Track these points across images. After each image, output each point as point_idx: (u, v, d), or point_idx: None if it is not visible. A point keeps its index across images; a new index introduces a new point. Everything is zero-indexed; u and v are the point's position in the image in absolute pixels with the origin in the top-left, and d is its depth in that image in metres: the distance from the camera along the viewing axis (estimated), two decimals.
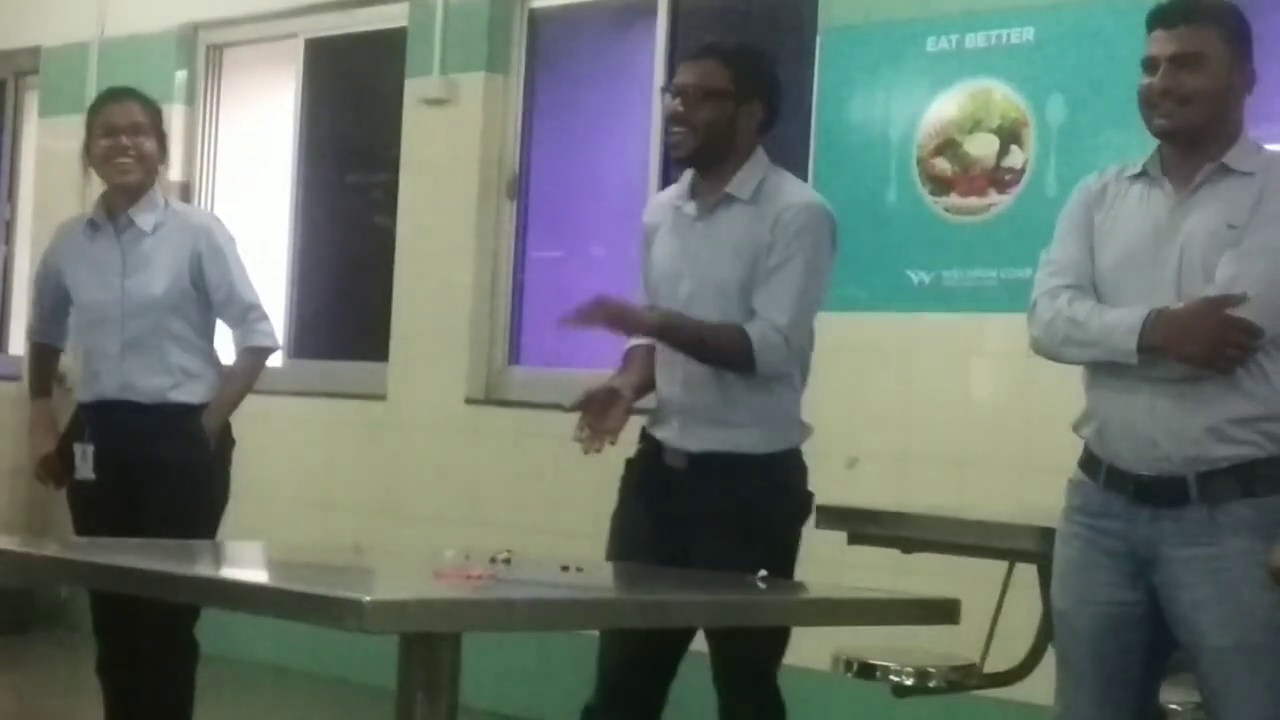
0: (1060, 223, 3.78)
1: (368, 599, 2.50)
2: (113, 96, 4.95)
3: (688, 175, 4.28)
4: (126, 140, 4.83)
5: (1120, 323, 3.56)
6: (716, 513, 4.10)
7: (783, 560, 4.16)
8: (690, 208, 4.22)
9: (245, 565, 3.52)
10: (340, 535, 7.53)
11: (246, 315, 4.84)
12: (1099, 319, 3.60)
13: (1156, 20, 3.69)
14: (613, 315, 4.10)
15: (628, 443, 4.24)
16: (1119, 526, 3.63)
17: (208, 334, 4.89)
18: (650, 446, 4.24)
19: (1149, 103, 3.65)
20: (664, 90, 4.29)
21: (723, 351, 4.10)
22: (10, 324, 9.36)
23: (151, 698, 4.80)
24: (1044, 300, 3.69)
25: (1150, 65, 3.66)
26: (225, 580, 3.04)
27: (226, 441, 4.90)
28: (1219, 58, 3.61)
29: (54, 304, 5.05)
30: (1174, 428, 3.55)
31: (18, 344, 9.20)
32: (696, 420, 4.14)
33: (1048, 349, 3.71)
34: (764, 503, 4.14)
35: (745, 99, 4.18)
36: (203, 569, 3.25)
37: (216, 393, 4.83)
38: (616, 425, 4.04)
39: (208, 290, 4.82)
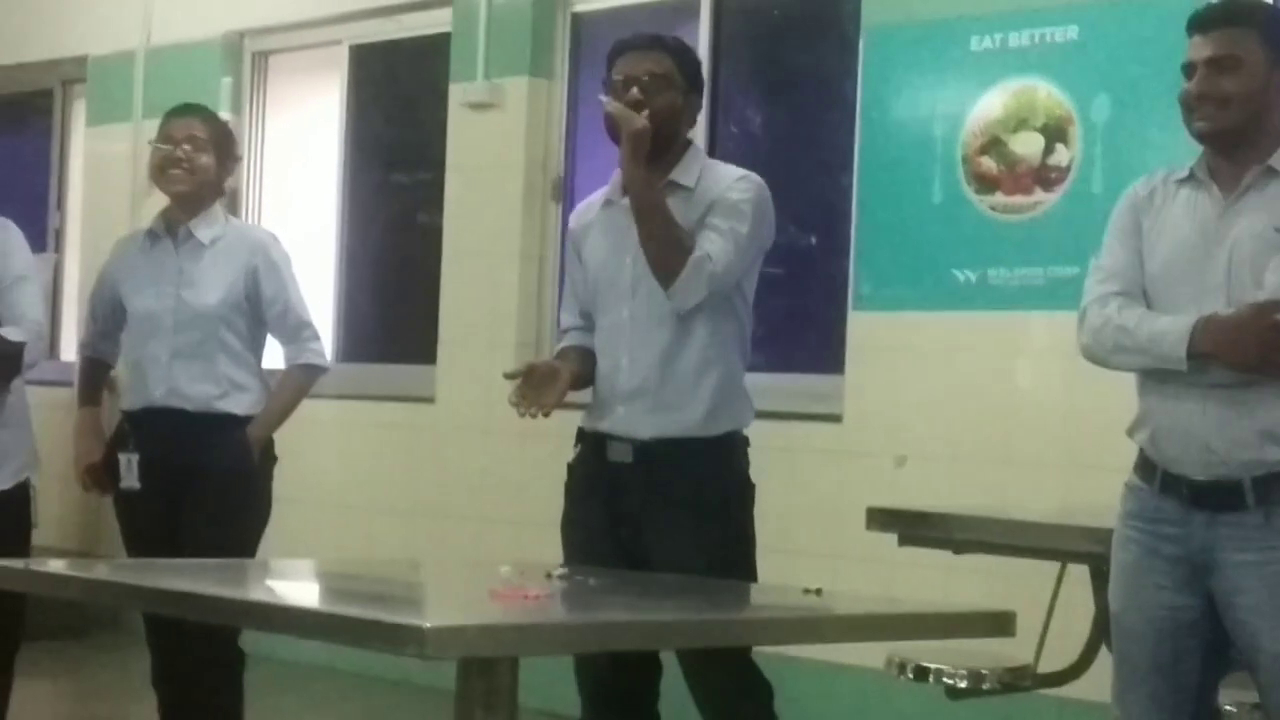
0: (1109, 228, 3.79)
1: (428, 625, 2.51)
2: (177, 111, 5.00)
3: (616, 174, 4.28)
4: (180, 152, 4.87)
5: (1170, 330, 3.57)
6: (668, 503, 4.11)
7: (743, 547, 4.20)
8: (624, 203, 4.23)
9: (300, 588, 3.53)
10: (389, 538, 7.58)
11: (300, 333, 4.87)
12: (1148, 326, 3.61)
13: (1194, 25, 3.70)
14: (638, 137, 4.06)
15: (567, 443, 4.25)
16: (1175, 531, 3.63)
17: (257, 349, 4.92)
18: (591, 446, 4.24)
19: (1188, 107, 3.66)
20: (607, 82, 4.25)
21: (672, 244, 4.09)
22: (61, 330, 9.42)
23: (203, 708, 4.84)
24: (1093, 308, 3.71)
25: (1189, 70, 3.68)
26: (283, 606, 3.04)
27: (269, 457, 4.92)
28: (1256, 60, 3.62)
29: (108, 318, 5.09)
30: (1227, 432, 3.55)
31: (70, 350, 9.27)
32: (643, 404, 4.15)
33: (1098, 356, 3.72)
34: (716, 486, 4.17)
35: (689, 91, 4.27)
36: (259, 594, 3.26)
37: (263, 406, 4.86)
38: (551, 401, 4.06)
39: (262, 306, 4.85)
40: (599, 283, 4.27)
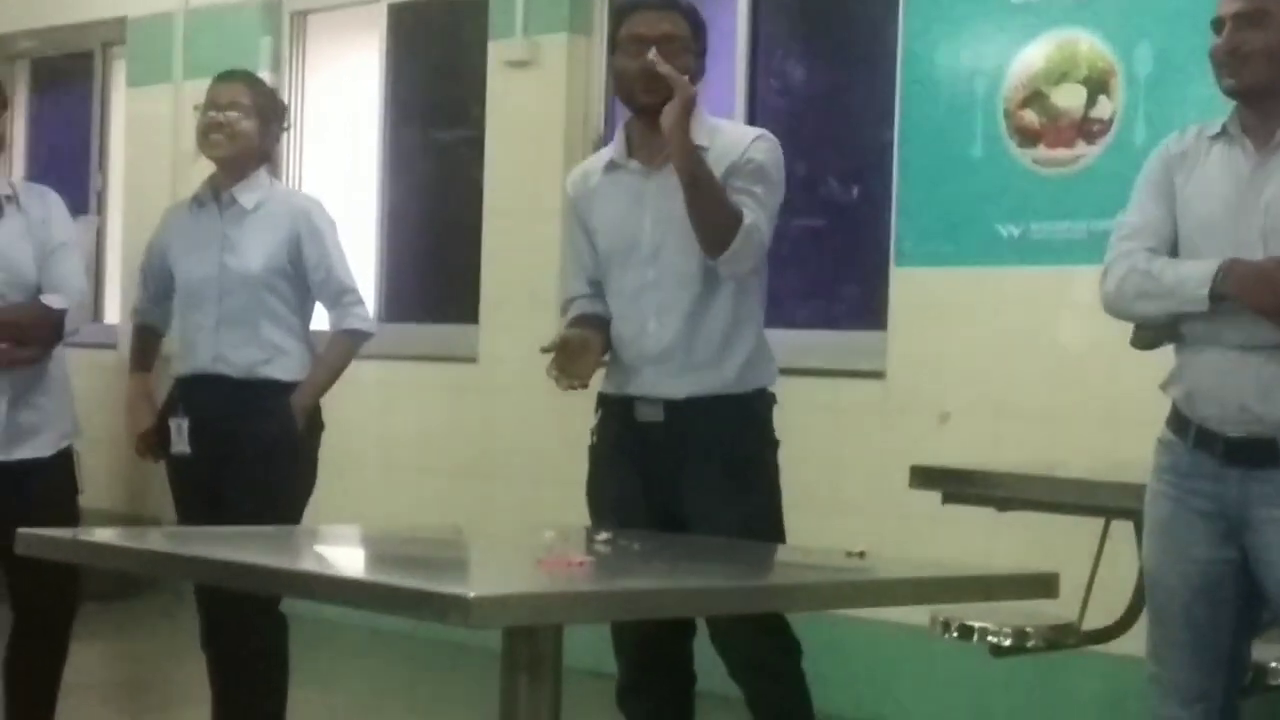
0: (1139, 184, 3.76)
1: (472, 595, 2.52)
2: (223, 76, 5.00)
3: (618, 137, 4.28)
4: (221, 117, 4.87)
5: (1193, 273, 3.56)
6: (704, 460, 4.12)
7: (775, 501, 4.21)
8: (634, 165, 4.22)
9: (345, 556, 3.53)
10: (433, 498, 7.60)
11: (342, 298, 4.87)
12: (1173, 271, 3.59)
13: None
14: (685, 106, 4.03)
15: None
16: (1209, 487, 3.63)
17: (304, 314, 4.92)
18: (616, 410, 4.23)
19: (1217, 63, 3.65)
20: (636, 41, 4.18)
21: (726, 214, 4.08)
22: (105, 293, 9.46)
23: (250, 669, 4.87)
24: (1120, 261, 3.69)
25: (1218, 25, 3.67)
26: (328, 576, 3.04)
27: (316, 423, 4.93)
28: None
29: (159, 286, 5.10)
30: (1262, 390, 3.54)
31: (113, 313, 9.32)
32: (673, 365, 4.15)
33: (1120, 305, 3.70)
34: (749, 443, 4.19)
35: (700, 54, 4.27)
36: (303, 563, 3.27)
37: (308, 374, 4.87)
38: (589, 373, 4.08)
39: (306, 271, 4.86)
40: (613, 249, 4.24)
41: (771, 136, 4.29)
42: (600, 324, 4.25)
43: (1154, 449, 3.76)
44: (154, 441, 4.99)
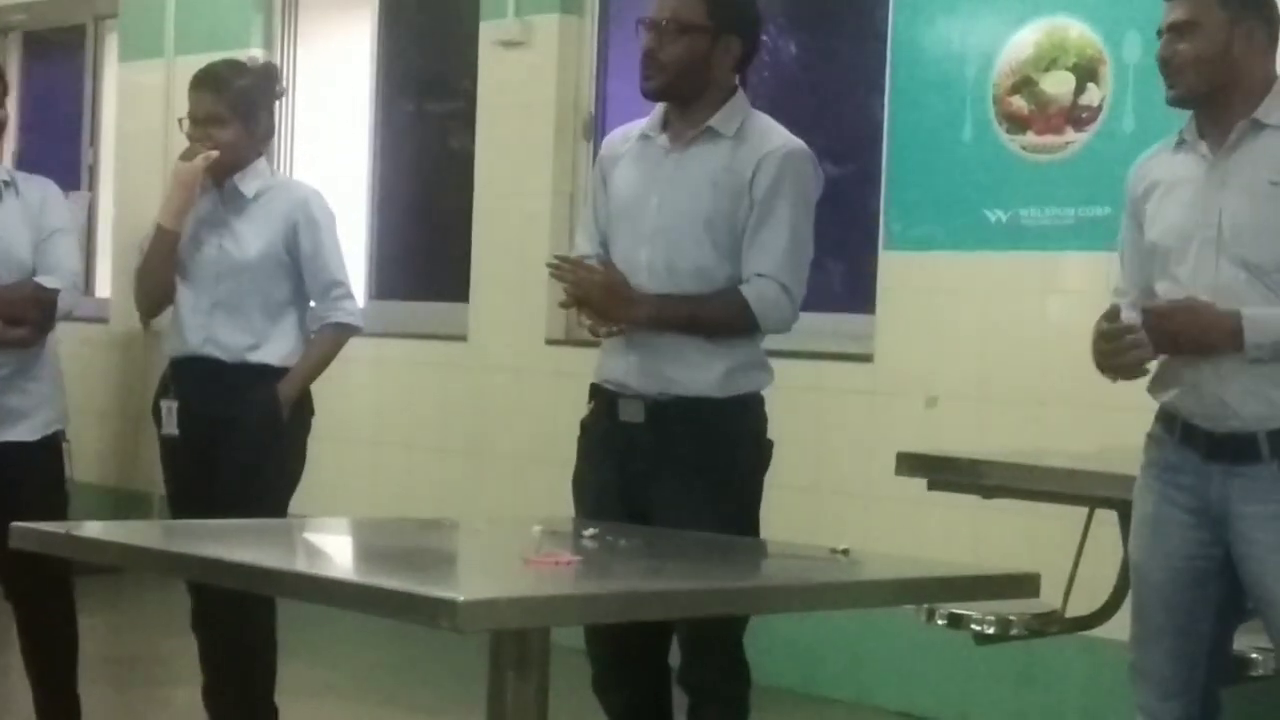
0: (1124, 215, 3.87)
1: (461, 599, 2.54)
2: (194, 84, 4.93)
3: (659, 109, 4.16)
4: (200, 133, 4.85)
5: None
6: (678, 464, 4.00)
7: (749, 513, 4.09)
8: (663, 140, 4.12)
9: (333, 554, 3.55)
10: (423, 476, 7.64)
11: (330, 291, 4.88)
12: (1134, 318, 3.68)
13: None
14: (595, 292, 3.99)
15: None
16: (1193, 482, 3.68)
17: (298, 304, 4.92)
18: (604, 404, 4.14)
19: (1161, 73, 3.73)
20: (639, 23, 4.10)
21: (722, 321, 4.03)
22: (96, 267, 9.48)
23: (239, 650, 4.90)
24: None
25: (1160, 35, 3.73)
26: (317, 577, 3.07)
27: (305, 410, 4.95)
28: (1215, 22, 3.65)
29: None
30: (1242, 388, 3.60)
31: (104, 287, 9.34)
32: (657, 356, 4.03)
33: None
34: (728, 450, 4.06)
35: (722, 33, 4.08)
36: (292, 562, 3.30)
37: (296, 363, 4.88)
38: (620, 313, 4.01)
39: (300, 260, 4.87)
40: (619, 216, 4.13)
41: (799, 150, 4.10)
42: None
43: (1144, 444, 3.81)
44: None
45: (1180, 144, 3.76)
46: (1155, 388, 3.76)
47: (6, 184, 4.91)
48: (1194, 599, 3.70)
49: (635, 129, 4.24)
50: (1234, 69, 3.66)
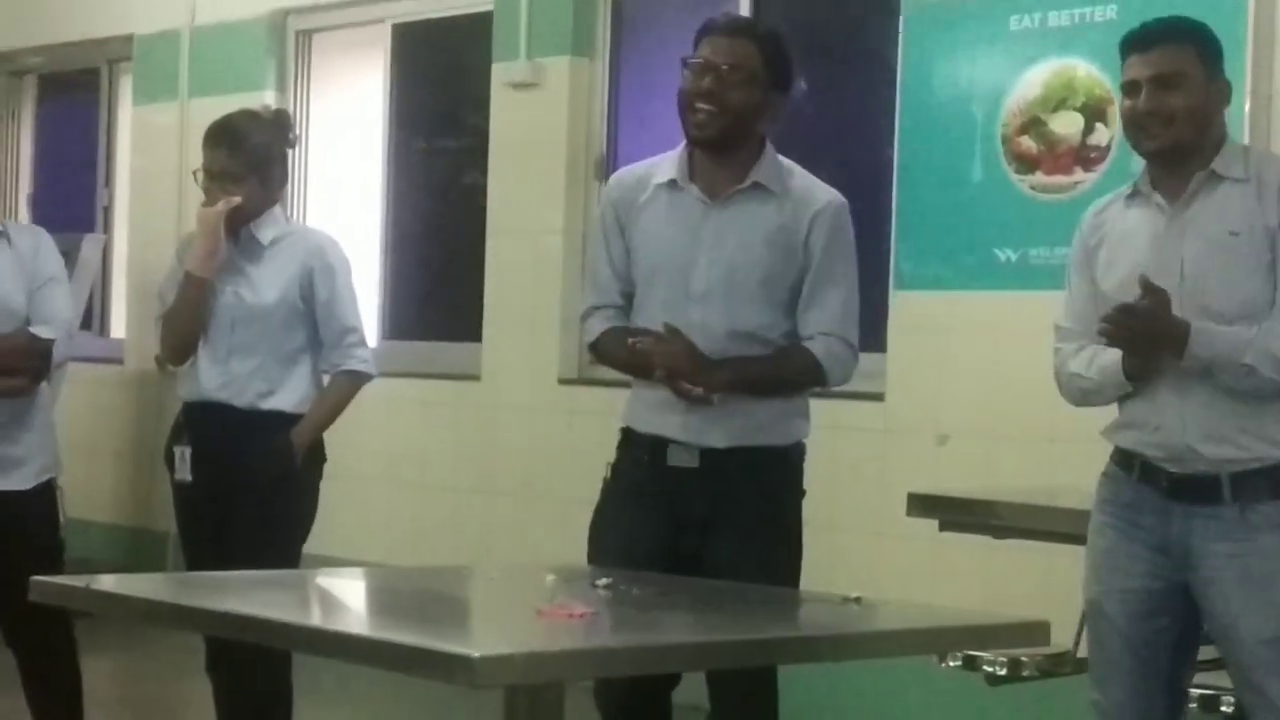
0: (1067, 269, 3.96)
1: (476, 655, 2.56)
2: (207, 139, 4.94)
3: (677, 155, 4.09)
4: (216, 187, 4.88)
5: (1108, 363, 3.76)
6: (737, 511, 3.99)
7: (798, 560, 4.12)
8: (695, 191, 4.06)
9: (349, 607, 3.57)
10: (436, 516, 7.66)
11: (344, 338, 4.91)
12: (1096, 367, 3.80)
13: (1132, 45, 3.82)
14: (683, 362, 3.94)
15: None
16: (1152, 520, 3.75)
17: (312, 350, 4.95)
18: (645, 449, 4.07)
19: (1135, 125, 3.79)
20: (685, 62, 4.03)
21: (797, 381, 4.09)
22: (111, 308, 9.52)
23: (254, 694, 4.91)
24: (1058, 367, 3.92)
25: (1131, 89, 3.78)
26: (333, 632, 3.09)
27: (317, 456, 4.98)
28: (1198, 76, 3.74)
29: None
30: (1204, 430, 3.67)
31: (119, 328, 9.38)
32: (711, 412, 3.97)
33: (1078, 403, 3.95)
34: (783, 498, 4.10)
35: (773, 87, 4.08)
36: (308, 617, 3.32)
37: (308, 410, 4.90)
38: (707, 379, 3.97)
39: (314, 307, 4.90)
40: (656, 275, 4.05)
41: (843, 205, 4.11)
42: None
43: (1097, 483, 3.85)
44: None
45: (1133, 195, 3.82)
46: (1113, 431, 3.83)
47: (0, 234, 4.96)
48: (1152, 632, 3.77)
49: (650, 174, 4.15)
50: (1208, 123, 3.75)
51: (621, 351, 4.09)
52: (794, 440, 4.13)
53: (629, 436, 4.15)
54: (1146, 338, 3.66)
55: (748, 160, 4.07)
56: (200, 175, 4.93)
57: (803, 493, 4.19)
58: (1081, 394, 3.88)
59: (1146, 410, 3.74)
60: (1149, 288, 3.61)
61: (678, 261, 4.05)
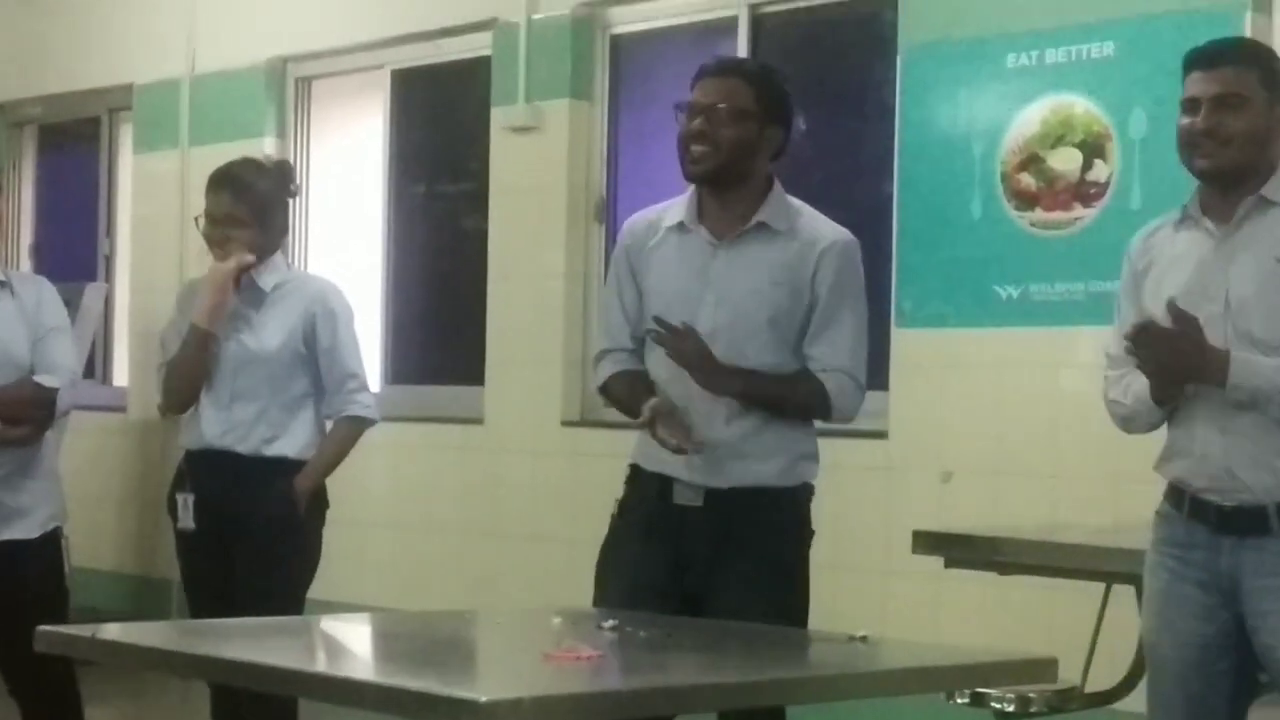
0: (1118, 294, 3.90)
1: (483, 700, 2.57)
2: (211, 184, 4.96)
3: (686, 199, 4.13)
4: (220, 234, 4.91)
5: (1141, 388, 3.71)
6: (740, 549, 4.00)
7: (805, 599, 4.13)
8: (703, 232, 4.09)
9: (355, 653, 3.57)
10: (441, 560, 7.66)
11: (346, 384, 4.91)
12: (1131, 393, 3.76)
13: (1196, 62, 3.74)
14: (695, 356, 3.96)
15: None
16: (1203, 557, 3.70)
17: (315, 396, 4.95)
18: (652, 487, 4.09)
19: (1190, 143, 3.71)
20: (678, 107, 4.09)
21: (804, 406, 4.09)
22: (114, 356, 9.53)
23: None
24: (1105, 394, 3.87)
25: (1190, 106, 3.71)
26: (340, 679, 3.09)
27: (321, 502, 4.98)
28: (1259, 99, 3.67)
29: None
30: (1250, 459, 3.62)
31: (122, 376, 9.39)
32: (717, 453, 4.00)
33: (1127, 430, 3.89)
34: (789, 538, 4.10)
35: (769, 122, 4.09)
36: (314, 663, 3.32)
37: (312, 457, 4.91)
38: (692, 435, 3.97)
39: (317, 353, 4.91)
40: (666, 312, 4.03)
41: (852, 242, 4.13)
42: (650, 384, 4.09)
43: (1152, 521, 3.82)
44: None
45: (1183, 220, 3.78)
46: (1162, 463, 3.79)
47: (2, 284, 4.97)
48: (1208, 675, 3.71)
49: (661, 218, 4.19)
50: (1267, 148, 3.68)
51: (625, 395, 4.14)
52: (801, 482, 4.14)
53: (636, 473, 4.17)
54: (1178, 364, 3.60)
55: (754, 200, 4.09)
56: (202, 221, 4.95)
57: (811, 533, 4.18)
58: (1121, 420, 3.84)
59: (1190, 439, 3.70)
60: (1178, 314, 3.56)
61: (686, 302, 4.07)
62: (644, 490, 4.14)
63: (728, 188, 4.08)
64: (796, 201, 4.18)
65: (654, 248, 4.15)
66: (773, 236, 4.08)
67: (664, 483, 4.08)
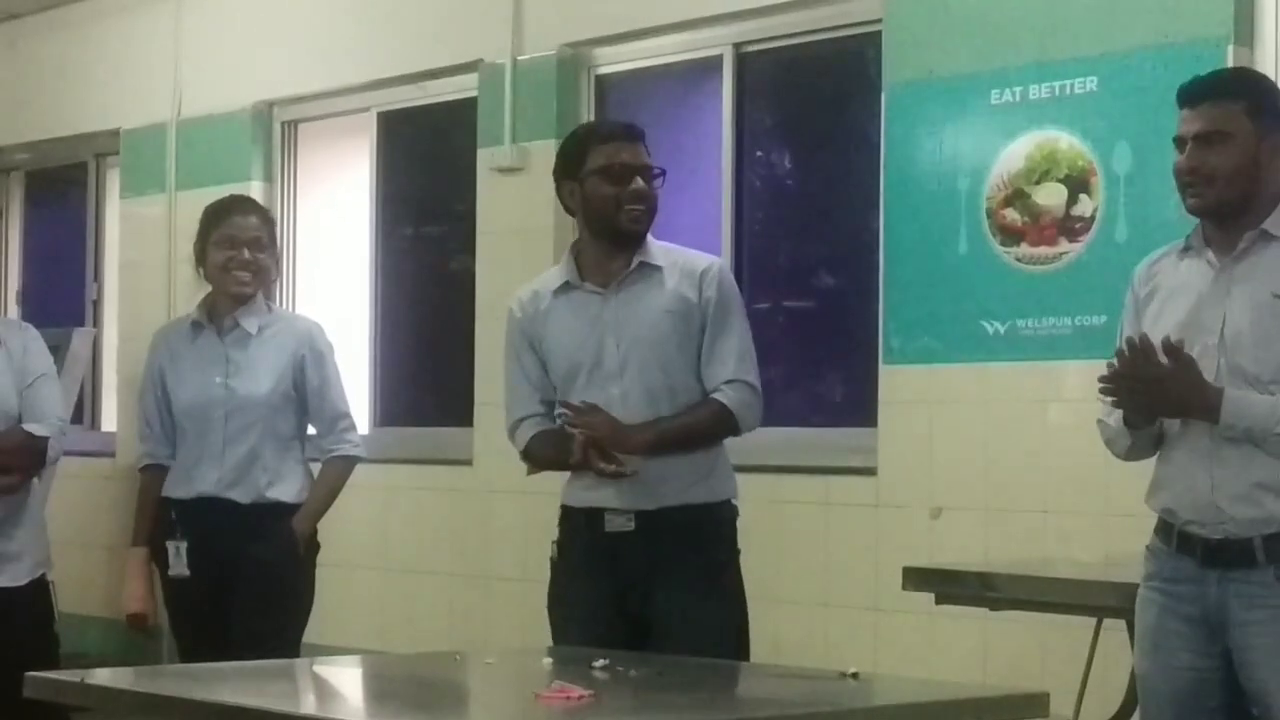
0: (1120, 323, 3.93)
1: None
2: (237, 207, 4.99)
3: (564, 262, 4.45)
4: (248, 255, 4.91)
5: (1114, 417, 3.77)
6: (675, 568, 4.24)
7: (742, 611, 4.33)
8: (588, 286, 4.37)
9: (346, 698, 3.57)
10: (430, 600, 7.64)
11: (336, 424, 4.93)
12: (1114, 416, 3.79)
13: (1181, 99, 3.79)
14: (603, 426, 4.20)
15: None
16: (1191, 590, 3.70)
17: (301, 437, 4.98)
18: (583, 521, 4.33)
19: (1179, 183, 3.76)
20: (588, 166, 4.40)
21: (712, 433, 4.32)
22: (102, 401, 9.52)
23: None
24: (1099, 414, 3.90)
25: (1179, 144, 3.76)
26: None
27: (312, 543, 4.99)
28: (1244, 133, 3.68)
29: (164, 418, 5.05)
30: (1235, 492, 3.63)
31: (110, 421, 9.37)
32: (642, 477, 4.23)
33: (1111, 451, 3.93)
34: (719, 552, 4.34)
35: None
36: (306, 708, 3.32)
37: (306, 498, 4.91)
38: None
39: (306, 394, 4.91)
40: (574, 367, 4.34)
41: (724, 265, 4.54)
42: (563, 438, 4.32)
43: (1143, 556, 3.83)
44: (147, 623, 5.03)
45: (1186, 250, 3.79)
46: (1150, 495, 3.80)
47: None
48: (1202, 709, 3.72)
49: (543, 286, 4.48)
50: (1257, 181, 3.69)
51: (549, 450, 4.39)
52: (722, 499, 4.37)
53: (567, 514, 4.40)
54: (1170, 401, 3.62)
55: (630, 250, 4.37)
56: (220, 249, 4.93)
57: (738, 551, 4.39)
58: (1106, 442, 3.90)
59: (1176, 471, 3.72)
60: (1171, 351, 3.58)
61: (589, 350, 4.35)
62: (576, 527, 4.36)
63: (624, 244, 4.34)
64: (663, 243, 4.48)
65: (545, 313, 4.44)
66: (653, 271, 4.37)
67: (594, 516, 4.30)
